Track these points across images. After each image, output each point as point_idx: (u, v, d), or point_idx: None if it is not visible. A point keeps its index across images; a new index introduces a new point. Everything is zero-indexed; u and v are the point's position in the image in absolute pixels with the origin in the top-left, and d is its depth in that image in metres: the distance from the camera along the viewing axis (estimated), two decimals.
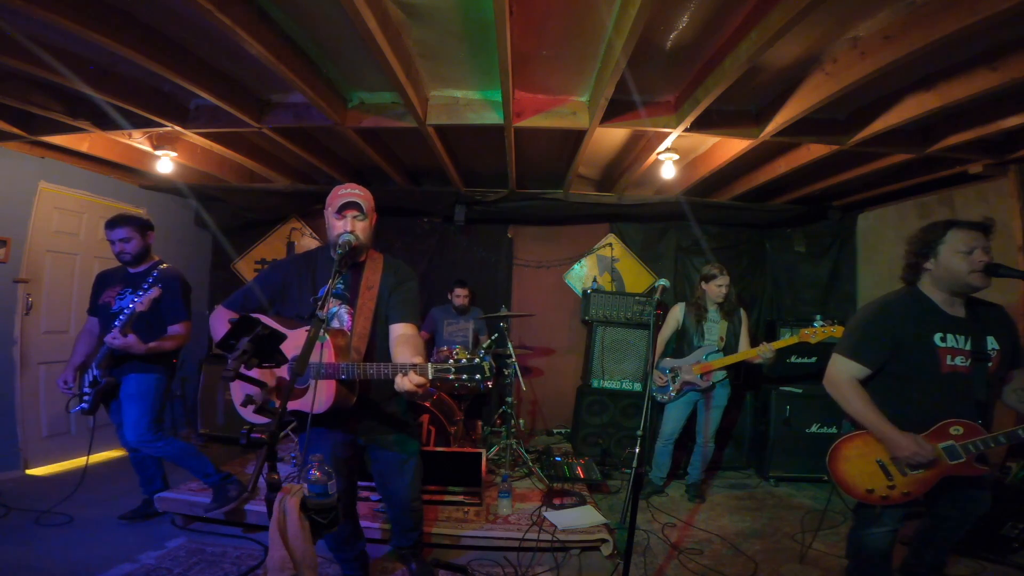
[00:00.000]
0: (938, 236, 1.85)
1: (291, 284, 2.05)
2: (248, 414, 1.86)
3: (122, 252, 2.82)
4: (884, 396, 1.89)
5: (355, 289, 2.02)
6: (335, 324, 1.98)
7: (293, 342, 1.74)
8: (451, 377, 1.59)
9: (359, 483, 2.22)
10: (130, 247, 2.82)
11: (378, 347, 2.00)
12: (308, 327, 1.66)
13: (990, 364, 1.82)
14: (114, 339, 2.59)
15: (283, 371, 1.92)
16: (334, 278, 1.71)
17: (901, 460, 1.83)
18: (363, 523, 2.39)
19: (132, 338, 2.62)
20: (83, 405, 2.70)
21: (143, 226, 2.87)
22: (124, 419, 2.75)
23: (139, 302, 2.64)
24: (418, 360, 1.70)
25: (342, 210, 1.95)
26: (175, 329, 2.82)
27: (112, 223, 2.82)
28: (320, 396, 1.80)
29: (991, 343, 1.84)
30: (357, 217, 1.95)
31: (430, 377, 1.61)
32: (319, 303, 1.63)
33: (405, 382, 1.65)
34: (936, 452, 1.80)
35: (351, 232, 1.93)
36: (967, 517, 1.97)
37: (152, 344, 2.70)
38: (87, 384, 2.73)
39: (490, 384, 1.59)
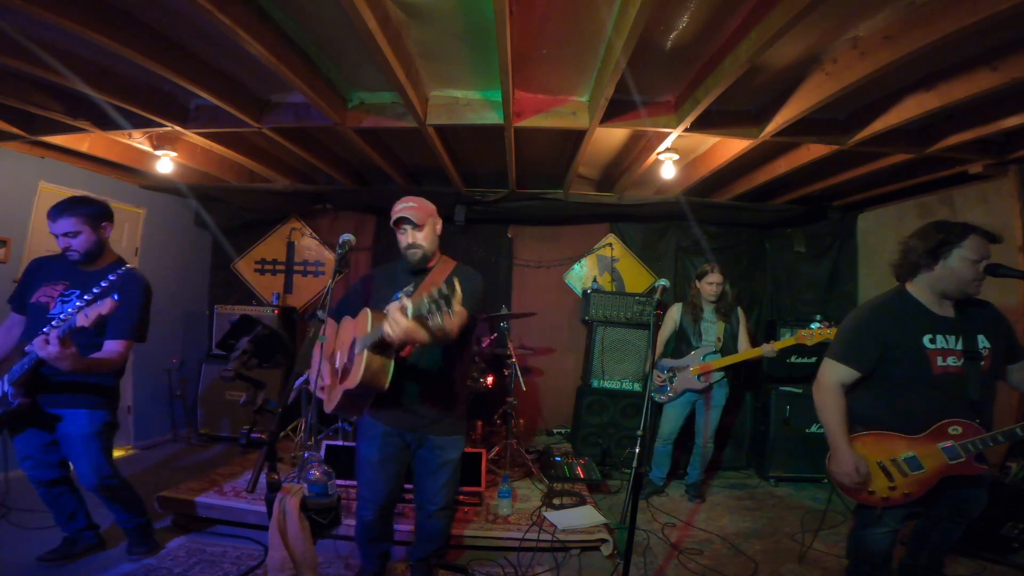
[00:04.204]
0: (956, 239, 1.82)
1: (371, 293, 2.18)
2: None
3: (68, 249, 2.23)
4: (882, 400, 1.90)
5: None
6: None
7: (355, 327, 1.96)
8: (424, 311, 1.54)
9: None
10: (78, 243, 2.23)
11: None
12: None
13: (982, 363, 1.82)
14: (49, 345, 1.91)
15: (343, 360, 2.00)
16: (334, 279, 1.83)
17: (834, 474, 1.90)
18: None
19: (73, 350, 1.96)
20: None
21: (95, 216, 2.27)
22: (78, 460, 2.29)
23: (82, 314, 1.93)
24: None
25: (396, 224, 2.09)
26: (111, 346, 2.18)
27: (55, 212, 2.20)
28: (354, 371, 1.84)
29: (982, 342, 1.85)
30: (413, 228, 2.07)
31: (410, 315, 1.58)
32: (322, 304, 1.75)
33: (386, 328, 1.65)
34: (875, 472, 1.87)
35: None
36: (963, 516, 1.97)
37: (89, 360, 2.10)
38: None
39: (455, 302, 1.53)
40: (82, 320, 1.93)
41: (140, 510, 2.54)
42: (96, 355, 2.16)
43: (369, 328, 1.81)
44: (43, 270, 2.34)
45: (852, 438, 1.94)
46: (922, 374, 1.83)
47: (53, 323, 2.08)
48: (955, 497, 1.93)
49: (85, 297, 2.17)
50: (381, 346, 1.79)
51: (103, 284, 2.22)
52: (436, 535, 2.27)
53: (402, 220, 2.06)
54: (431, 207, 2.14)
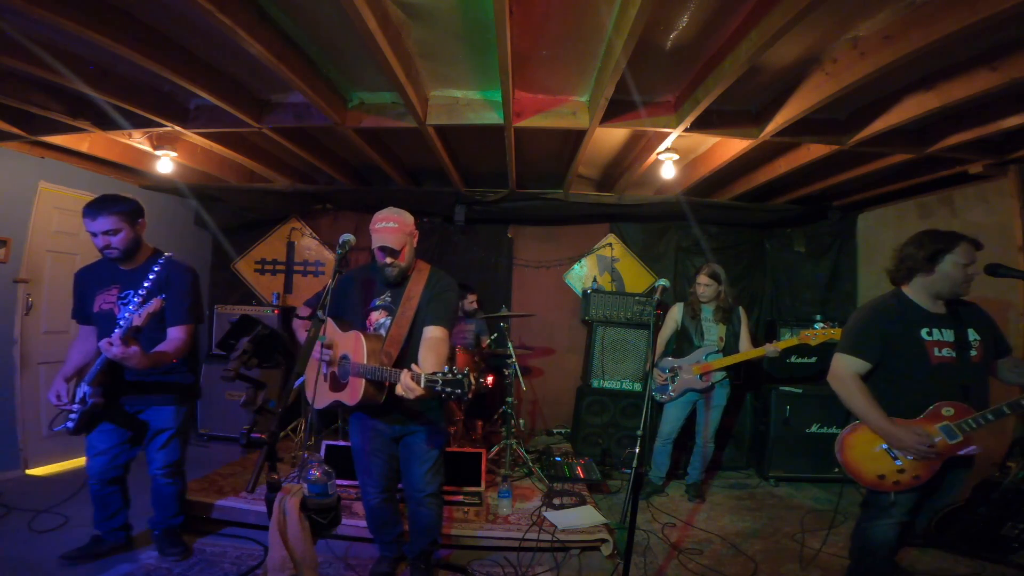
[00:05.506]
0: (950, 246, 2.00)
1: (351, 296, 2.30)
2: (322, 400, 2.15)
3: (108, 247, 2.29)
4: (882, 390, 2.04)
5: (399, 301, 2.20)
6: (381, 333, 2.18)
7: (345, 342, 2.10)
8: (438, 388, 1.72)
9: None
10: (117, 240, 2.29)
11: (411, 352, 2.14)
12: (354, 330, 2.06)
13: (974, 353, 2.00)
14: (112, 347, 2.03)
15: (333, 367, 2.16)
16: (333, 278, 1.93)
17: (904, 452, 1.95)
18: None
19: (135, 349, 2.08)
20: (68, 424, 2.29)
21: (132, 213, 2.33)
22: (158, 452, 2.46)
23: (136, 315, 2.07)
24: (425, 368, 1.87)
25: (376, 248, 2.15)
26: (173, 334, 2.33)
27: (92, 211, 2.25)
28: (352, 390, 2.02)
29: (972, 335, 2.02)
30: (392, 254, 2.14)
31: (422, 385, 1.74)
32: (321, 305, 1.84)
33: (397, 389, 1.82)
34: (934, 435, 1.94)
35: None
36: (937, 501, 2.11)
37: (156, 353, 2.22)
38: (76, 400, 2.29)
39: (469, 395, 1.71)
40: (137, 320, 2.06)
41: (183, 506, 2.63)
42: (160, 347, 2.27)
43: (364, 359, 1.95)
44: (91, 279, 2.42)
45: (858, 425, 2.07)
46: (921, 363, 2.00)
47: (121, 324, 2.15)
48: (941, 480, 2.03)
49: (140, 293, 2.23)
50: (380, 384, 1.94)
51: (151, 277, 2.26)
52: (429, 526, 2.32)
53: (381, 250, 2.14)
54: (408, 223, 2.19)
